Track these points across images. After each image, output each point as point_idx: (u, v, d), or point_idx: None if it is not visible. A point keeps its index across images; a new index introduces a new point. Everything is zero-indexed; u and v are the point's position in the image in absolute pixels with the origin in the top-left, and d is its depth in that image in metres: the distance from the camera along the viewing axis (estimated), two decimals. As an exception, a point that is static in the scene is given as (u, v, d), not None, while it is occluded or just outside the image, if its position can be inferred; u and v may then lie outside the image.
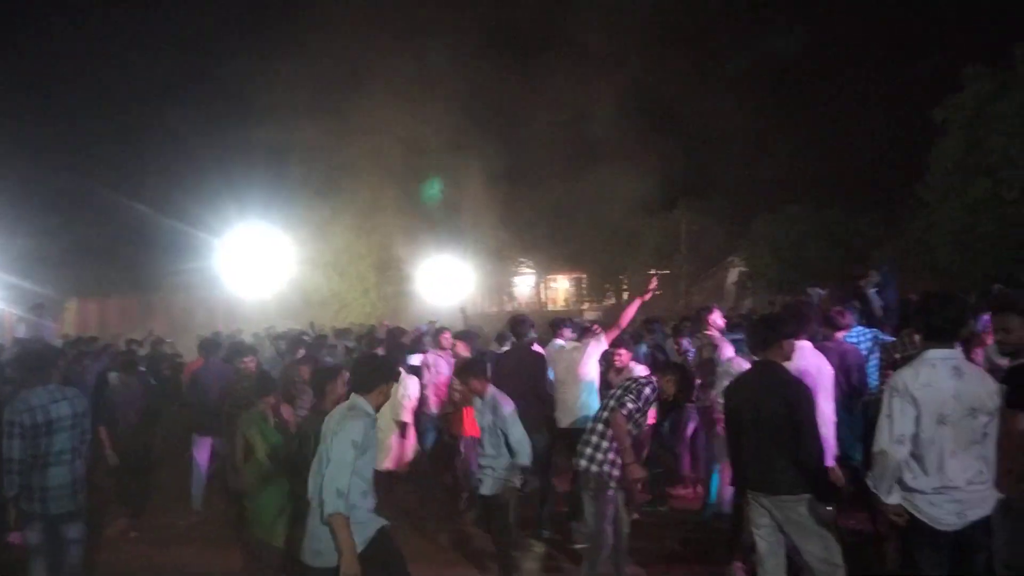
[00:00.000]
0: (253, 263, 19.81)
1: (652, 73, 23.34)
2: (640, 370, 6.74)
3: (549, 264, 33.11)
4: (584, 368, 5.90)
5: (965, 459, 3.19)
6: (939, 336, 3.29)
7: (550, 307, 33.81)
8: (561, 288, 36.92)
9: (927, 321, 3.33)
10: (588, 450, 4.58)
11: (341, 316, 19.94)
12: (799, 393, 3.77)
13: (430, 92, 21.44)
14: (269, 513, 4.44)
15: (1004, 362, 3.93)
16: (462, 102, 21.63)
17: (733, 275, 27.90)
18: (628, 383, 4.67)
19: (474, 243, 22.98)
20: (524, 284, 35.92)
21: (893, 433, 3.17)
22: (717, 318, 6.46)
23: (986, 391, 3.23)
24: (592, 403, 5.73)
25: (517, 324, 6.34)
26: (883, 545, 4.96)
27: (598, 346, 5.97)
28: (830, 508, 3.72)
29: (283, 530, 4.39)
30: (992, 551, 3.44)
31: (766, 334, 3.99)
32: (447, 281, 20.40)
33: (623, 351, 6.78)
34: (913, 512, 3.20)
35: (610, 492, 4.53)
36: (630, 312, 6.22)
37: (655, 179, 24.29)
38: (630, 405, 4.45)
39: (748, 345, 4.41)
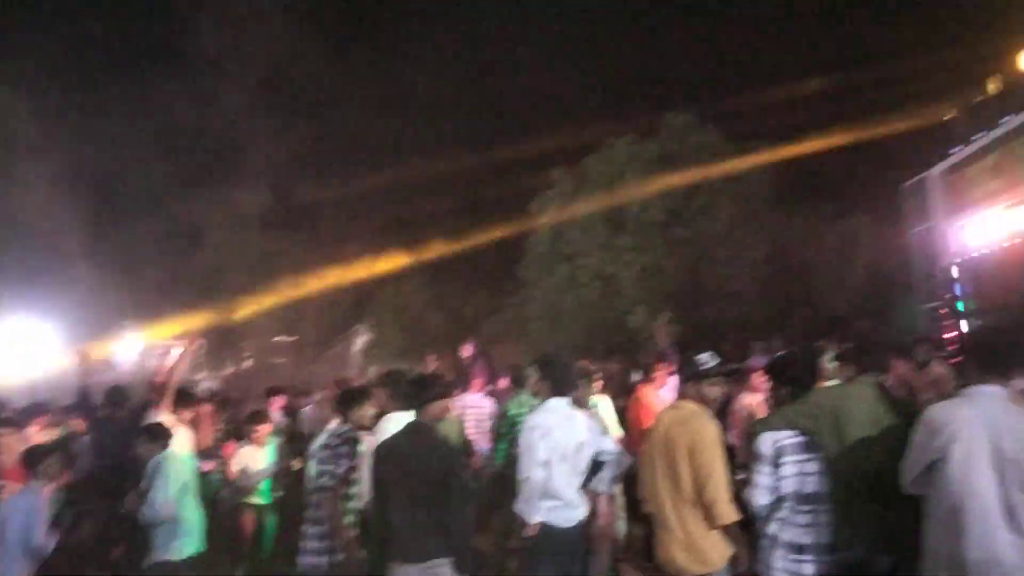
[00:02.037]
0: None
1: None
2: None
3: (160, 329, 29.76)
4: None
5: (573, 482, 3.98)
6: (560, 388, 4.04)
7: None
8: (175, 354, 33.20)
9: (550, 377, 4.04)
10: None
11: None
12: (453, 455, 3.96)
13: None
14: None
15: None
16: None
17: (358, 343, 28.37)
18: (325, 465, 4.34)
19: (61, 301, 19.65)
20: (131, 350, 31.59)
21: (534, 460, 3.80)
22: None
23: (584, 431, 4.09)
24: None
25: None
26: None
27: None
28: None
29: None
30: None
31: (418, 395, 4.01)
32: (21, 347, 16.90)
33: (263, 427, 6.39)
34: (544, 522, 3.84)
35: None
36: (180, 368, 5.78)
37: (284, 242, 23.82)
38: (330, 483, 4.24)
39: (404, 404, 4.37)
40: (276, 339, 29.13)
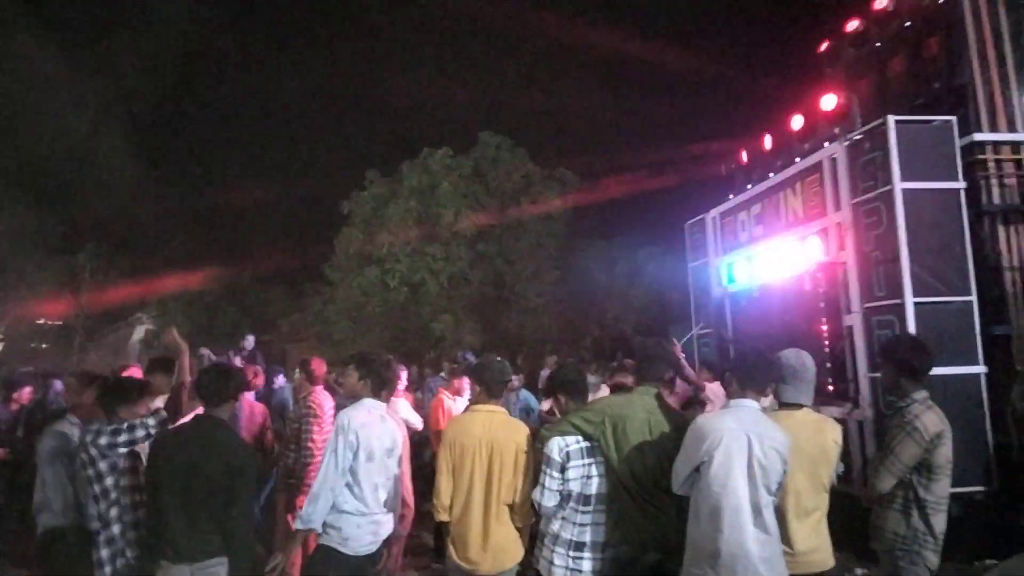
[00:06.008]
0: None
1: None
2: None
3: None
4: None
5: (385, 490, 3.86)
6: (379, 388, 3.96)
7: None
8: None
9: (374, 374, 3.95)
10: None
11: None
12: (245, 456, 3.70)
13: None
14: None
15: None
16: None
17: (140, 332, 25.99)
18: None
19: None
20: None
21: (338, 466, 3.63)
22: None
23: (397, 436, 3.98)
24: None
25: None
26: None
27: None
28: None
29: None
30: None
31: (221, 386, 3.78)
32: None
33: None
34: (334, 536, 3.68)
35: None
36: None
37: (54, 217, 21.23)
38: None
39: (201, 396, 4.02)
40: (39, 321, 25.73)
